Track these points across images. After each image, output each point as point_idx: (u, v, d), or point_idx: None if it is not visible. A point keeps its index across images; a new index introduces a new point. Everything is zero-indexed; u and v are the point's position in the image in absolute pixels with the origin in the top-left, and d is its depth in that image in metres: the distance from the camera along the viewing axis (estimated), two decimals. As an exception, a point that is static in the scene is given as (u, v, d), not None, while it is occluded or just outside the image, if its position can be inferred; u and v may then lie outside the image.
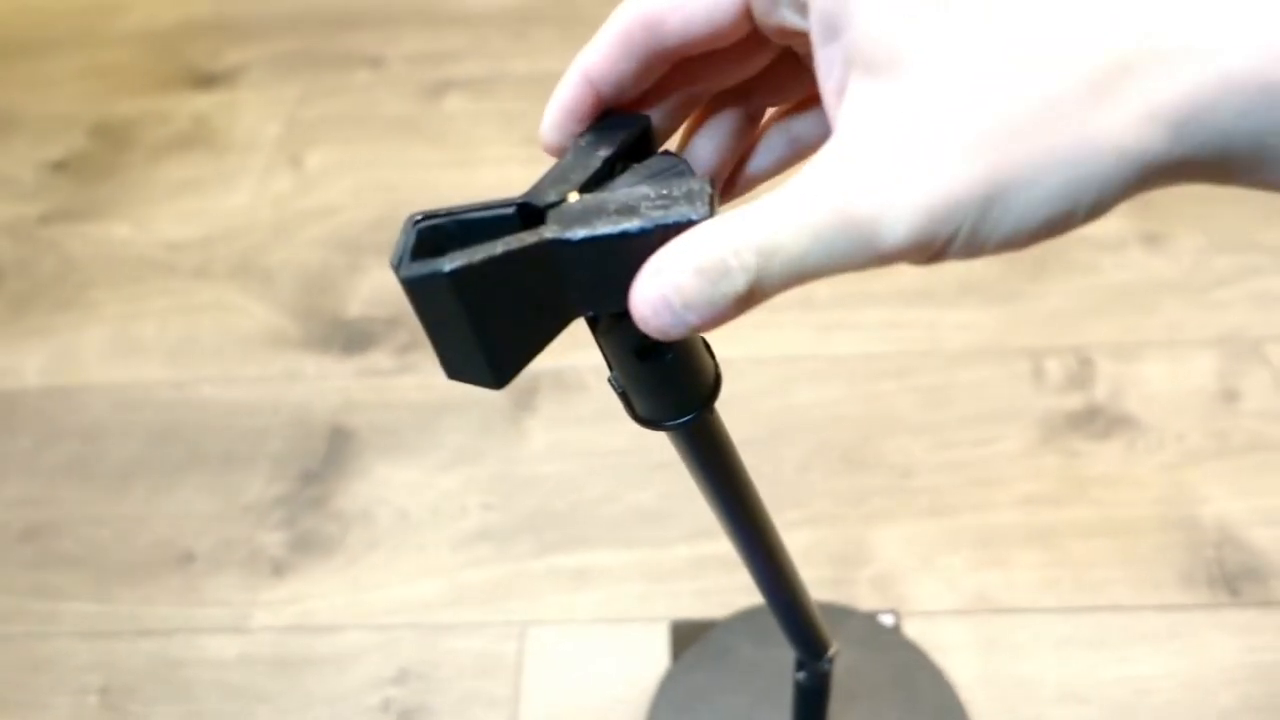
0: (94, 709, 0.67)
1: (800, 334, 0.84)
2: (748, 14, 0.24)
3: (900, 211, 0.20)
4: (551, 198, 0.24)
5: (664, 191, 0.23)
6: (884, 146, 0.21)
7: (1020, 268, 0.87)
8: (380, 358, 0.86)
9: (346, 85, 1.16)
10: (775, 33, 0.25)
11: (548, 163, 0.26)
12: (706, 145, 0.28)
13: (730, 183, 0.29)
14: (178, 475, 0.79)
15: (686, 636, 0.66)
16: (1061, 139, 0.19)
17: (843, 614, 0.66)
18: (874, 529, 0.71)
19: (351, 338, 0.88)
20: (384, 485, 0.77)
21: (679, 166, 0.26)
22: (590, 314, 0.26)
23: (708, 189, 0.23)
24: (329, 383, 0.85)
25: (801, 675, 0.52)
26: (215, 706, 0.66)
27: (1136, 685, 0.63)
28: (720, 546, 0.68)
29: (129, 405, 0.85)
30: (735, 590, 0.68)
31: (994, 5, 0.20)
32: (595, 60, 0.26)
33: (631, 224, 0.22)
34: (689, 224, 0.22)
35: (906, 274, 0.88)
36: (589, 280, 0.23)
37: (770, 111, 0.29)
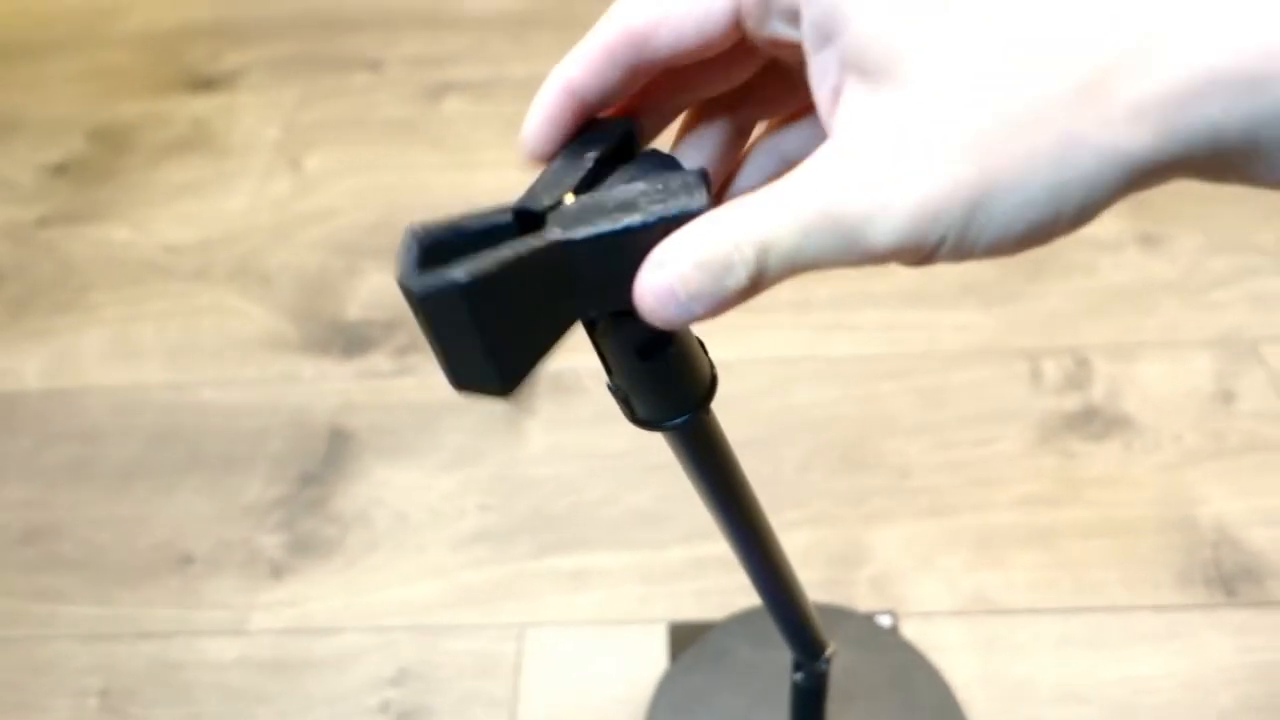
0: (94, 711, 0.67)
1: (799, 335, 0.84)
2: (737, 25, 0.24)
3: (889, 213, 0.20)
4: (547, 202, 0.24)
5: (659, 186, 0.23)
6: (877, 147, 0.21)
7: (1018, 269, 0.87)
8: (379, 360, 0.86)
9: (345, 88, 1.16)
10: (766, 43, 0.25)
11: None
12: (695, 159, 0.28)
13: (718, 199, 0.29)
14: (177, 477, 0.79)
15: (685, 638, 0.66)
16: (1046, 140, 0.20)
17: (840, 615, 0.66)
18: (872, 530, 0.71)
19: (350, 340, 0.88)
20: (383, 487, 0.77)
21: (668, 162, 0.26)
22: (594, 315, 0.26)
23: (702, 180, 0.23)
24: (328, 385, 0.85)
25: (799, 676, 0.52)
26: (215, 708, 0.66)
27: (1135, 685, 0.63)
28: (718, 548, 0.68)
29: (128, 407, 0.85)
30: (733, 591, 0.68)
31: (993, 6, 0.20)
32: (578, 72, 0.25)
33: (634, 219, 0.22)
34: (690, 215, 0.22)
35: (905, 275, 0.88)
36: (593, 280, 0.23)
37: (759, 129, 0.29)
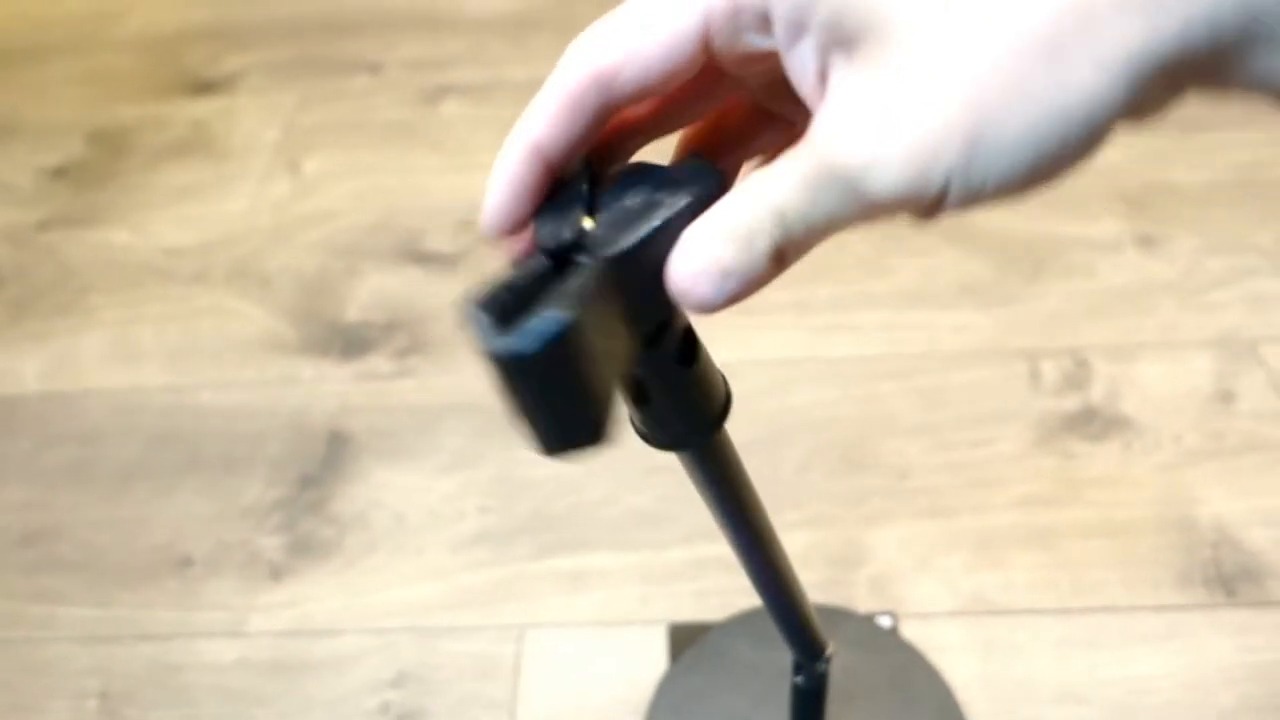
0: (92, 714, 0.67)
1: (798, 336, 0.84)
2: (704, 52, 0.24)
3: (885, 159, 0.20)
4: (570, 235, 0.23)
5: (669, 181, 0.23)
6: (867, 101, 0.21)
7: (1017, 270, 0.87)
8: (378, 361, 0.86)
9: (345, 91, 1.16)
10: (738, 61, 0.24)
11: None
12: None
13: None
14: (176, 479, 0.79)
15: (685, 638, 0.66)
16: (1037, 62, 0.19)
17: (840, 615, 0.66)
18: (871, 530, 0.71)
19: (350, 342, 0.88)
20: (382, 489, 0.77)
21: (653, 168, 0.25)
22: (645, 331, 0.25)
23: (705, 163, 0.24)
24: (327, 387, 0.85)
25: (799, 679, 0.52)
26: (213, 710, 0.66)
27: (1134, 686, 0.63)
28: (718, 548, 0.68)
29: (127, 410, 0.85)
30: (733, 592, 0.68)
31: None
32: (543, 129, 0.24)
33: (667, 212, 0.23)
34: (713, 195, 0.23)
35: (904, 276, 0.88)
36: (641, 291, 0.23)
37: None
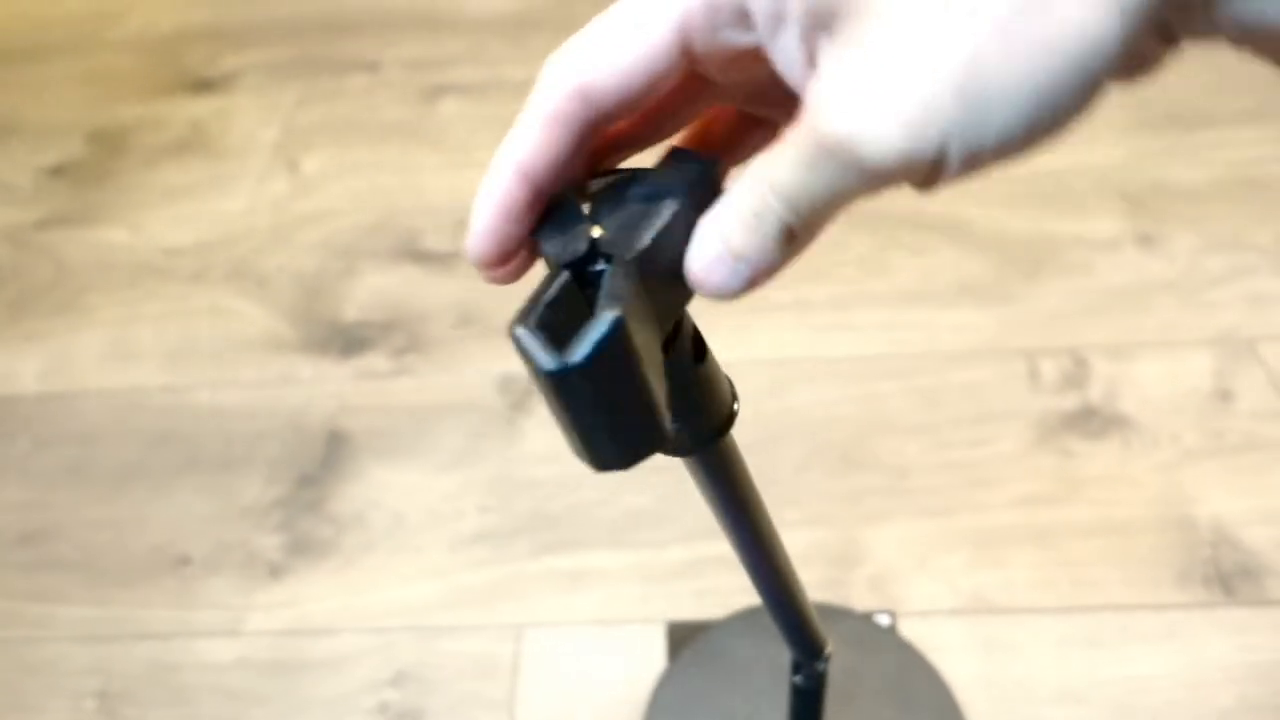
0: (91, 713, 0.67)
1: (797, 335, 0.84)
2: (683, 55, 0.23)
3: (878, 125, 0.20)
4: (583, 246, 0.23)
5: (656, 178, 0.23)
6: (856, 73, 0.20)
7: (1016, 269, 0.87)
8: (377, 361, 0.86)
9: (343, 90, 1.16)
10: (719, 64, 0.24)
11: None
12: None
13: None
14: (174, 479, 0.79)
15: (683, 637, 0.66)
16: (1031, 16, 0.19)
17: (839, 614, 0.66)
18: (870, 529, 0.71)
19: (348, 341, 0.88)
20: (381, 488, 0.77)
21: (635, 169, 0.25)
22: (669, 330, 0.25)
23: (685, 150, 0.24)
24: (325, 386, 0.85)
25: (798, 678, 0.52)
26: (212, 710, 0.66)
27: (1133, 685, 0.63)
28: (716, 548, 0.68)
29: (126, 409, 0.85)
30: (732, 591, 0.68)
31: None
32: (528, 150, 0.24)
33: (671, 205, 0.23)
34: (712, 174, 0.23)
35: (903, 276, 0.88)
36: (663, 288, 0.23)
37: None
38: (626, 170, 0.25)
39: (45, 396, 0.87)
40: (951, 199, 0.94)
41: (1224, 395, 0.77)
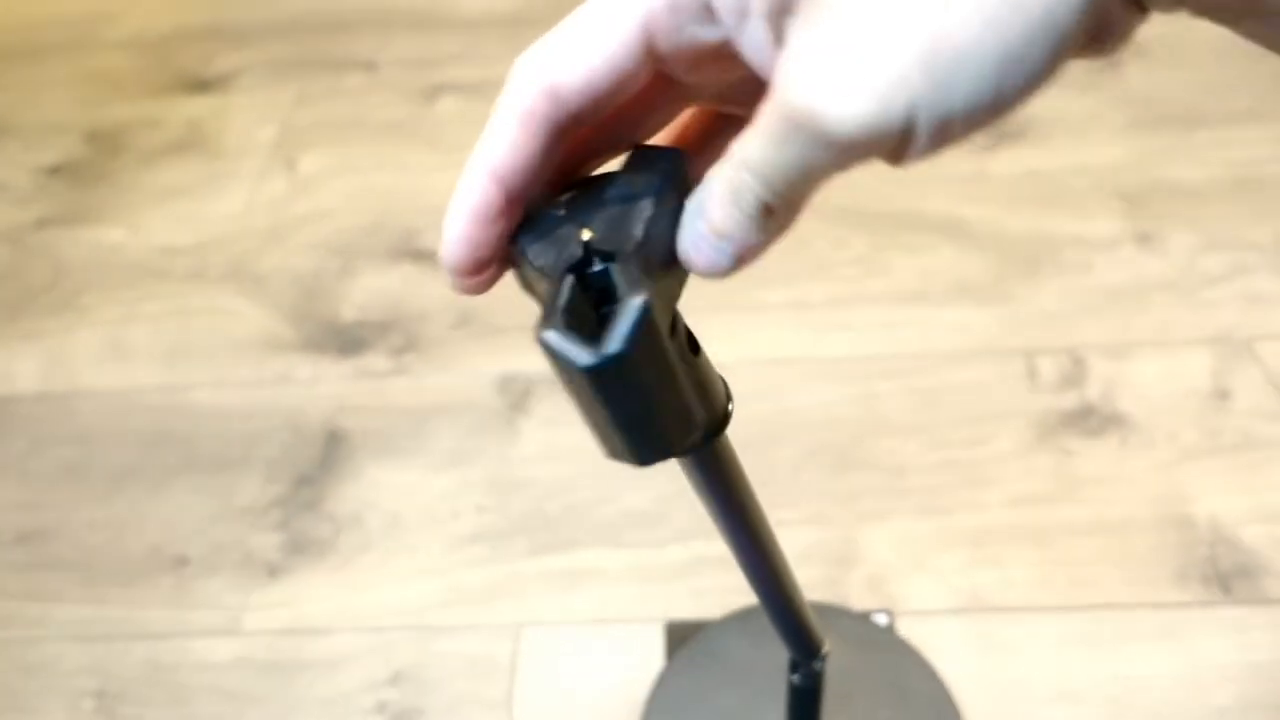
0: (88, 713, 0.67)
1: (794, 335, 0.84)
2: (649, 54, 0.23)
3: (842, 95, 0.19)
4: (579, 251, 0.23)
5: (627, 175, 0.24)
6: (819, 46, 0.20)
7: (1014, 268, 0.87)
8: (374, 360, 0.86)
9: (340, 89, 1.16)
10: (685, 62, 0.24)
11: None
12: None
13: None
14: (171, 479, 0.79)
15: (681, 637, 0.66)
16: None
17: (836, 614, 0.66)
18: (867, 529, 0.71)
19: (345, 341, 0.88)
20: (378, 488, 0.77)
21: (602, 174, 0.25)
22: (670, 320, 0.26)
23: (646, 145, 0.24)
24: (323, 386, 0.85)
25: (796, 678, 0.52)
26: (209, 710, 0.66)
27: (1131, 683, 0.63)
28: (714, 547, 0.68)
29: (122, 409, 0.85)
30: (730, 590, 0.68)
31: None
32: (500, 153, 0.24)
33: (651, 195, 0.23)
34: (679, 160, 0.24)
35: (901, 275, 0.88)
36: (659, 278, 0.23)
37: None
38: (595, 177, 0.25)
39: (42, 396, 0.87)
40: (950, 199, 0.94)
41: (1222, 394, 0.77)
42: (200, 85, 1.19)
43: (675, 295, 0.25)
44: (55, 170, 1.09)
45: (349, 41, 1.22)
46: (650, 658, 0.66)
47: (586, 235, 0.23)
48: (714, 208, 0.22)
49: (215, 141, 1.11)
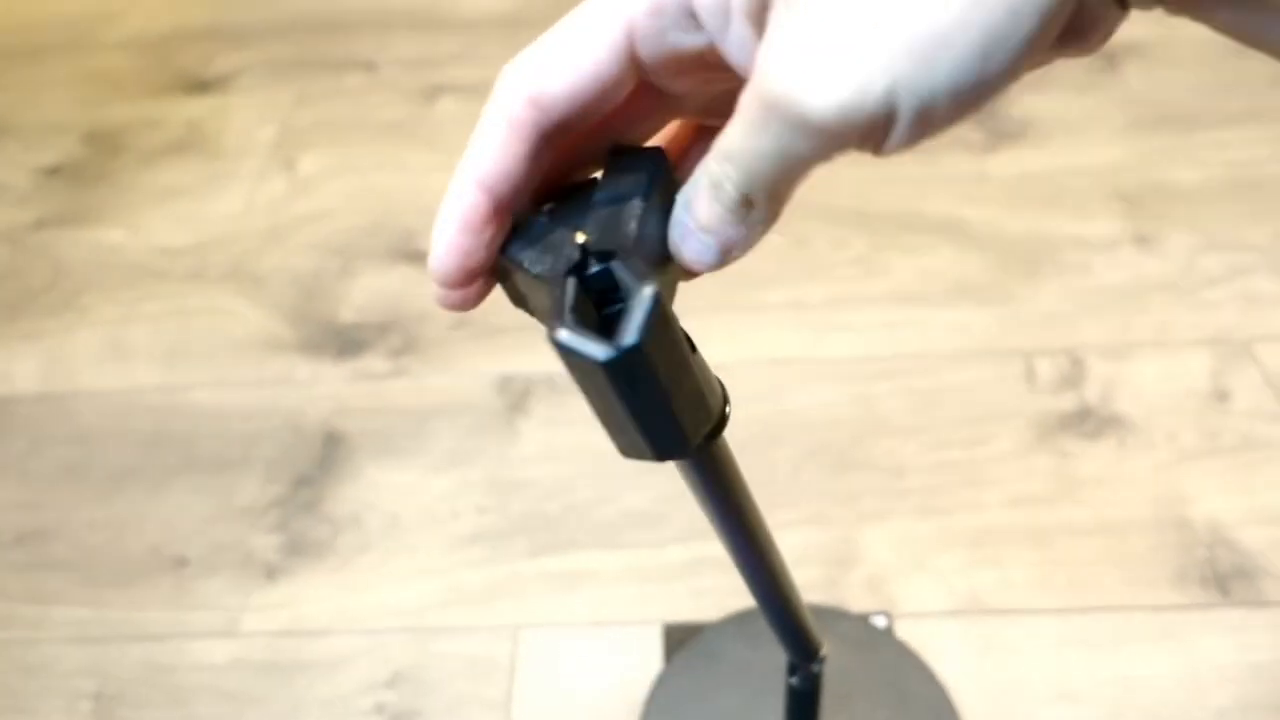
0: (86, 714, 0.67)
1: (793, 336, 0.84)
2: (632, 62, 0.23)
3: (819, 79, 0.19)
4: (575, 253, 0.23)
5: (611, 178, 0.24)
6: (797, 32, 0.20)
7: (1013, 269, 0.87)
8: (373, 361, 0.86)
9: (340, 90, 1.16)
10: (669, 68, 0.24)
11: None
12: None
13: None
14: (170, 480, 0.79)
15: (680, 638, 0.66)
16: None
17: (834, 616, 0.66)
18: (866, 530, 0.71)
19: (345, 342, 0.88)
20: (377, 489, 0.77)
21: (584, 180, 0.26)
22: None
23: (624, 144, 0.24)
24: (322, 387, 0.85)
25: (794, 680, 0.52)
26: (208, 711, 0.66)
27: (1130, 685, 0.63)
28: (713, 549, 0.67)
29: (121, 410, 0.85)
30: (729, 592, 0.68)
31: None
32: (487, 161, 0.24)
33: (639, 193, 0.23)
34: (661, 158, 0.24)
35: (900, 276, 0.88)
36: (658, 270, 0.23)
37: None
38: (573, 184, 0.26)
39: (41, 396, 0.87)
40: (949, 199, 0.94)
41: (1221, 395, 0.77)
42: (200, 85, 1.19)
43: (672, 291, 0.25)
44: (55, 170, 1.09)
45: (349, 42, 1.22)
46: (649, 659, 0.66)
47: (581, 238, 0.23)
48: (697, 202, 0.22)
49: (215, 142, 1.11)
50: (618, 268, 0.22)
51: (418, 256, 0.95)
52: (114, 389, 0.86)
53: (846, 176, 0.96)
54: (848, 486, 0.74)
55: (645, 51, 0.23)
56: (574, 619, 0.68)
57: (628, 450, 0.24)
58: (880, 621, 0.66)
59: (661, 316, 0.21)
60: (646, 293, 0.20)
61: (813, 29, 0.19)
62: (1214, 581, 0.67)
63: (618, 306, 0.23)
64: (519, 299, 0.26)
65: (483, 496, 0.76)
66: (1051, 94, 1.03)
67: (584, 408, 0.82)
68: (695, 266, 0.23)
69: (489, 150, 0.24)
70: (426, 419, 0.81)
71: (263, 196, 1.03)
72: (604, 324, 0.23)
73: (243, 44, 1.24)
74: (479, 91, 1.17)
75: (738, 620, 0.66)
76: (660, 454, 0.23)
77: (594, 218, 0.23)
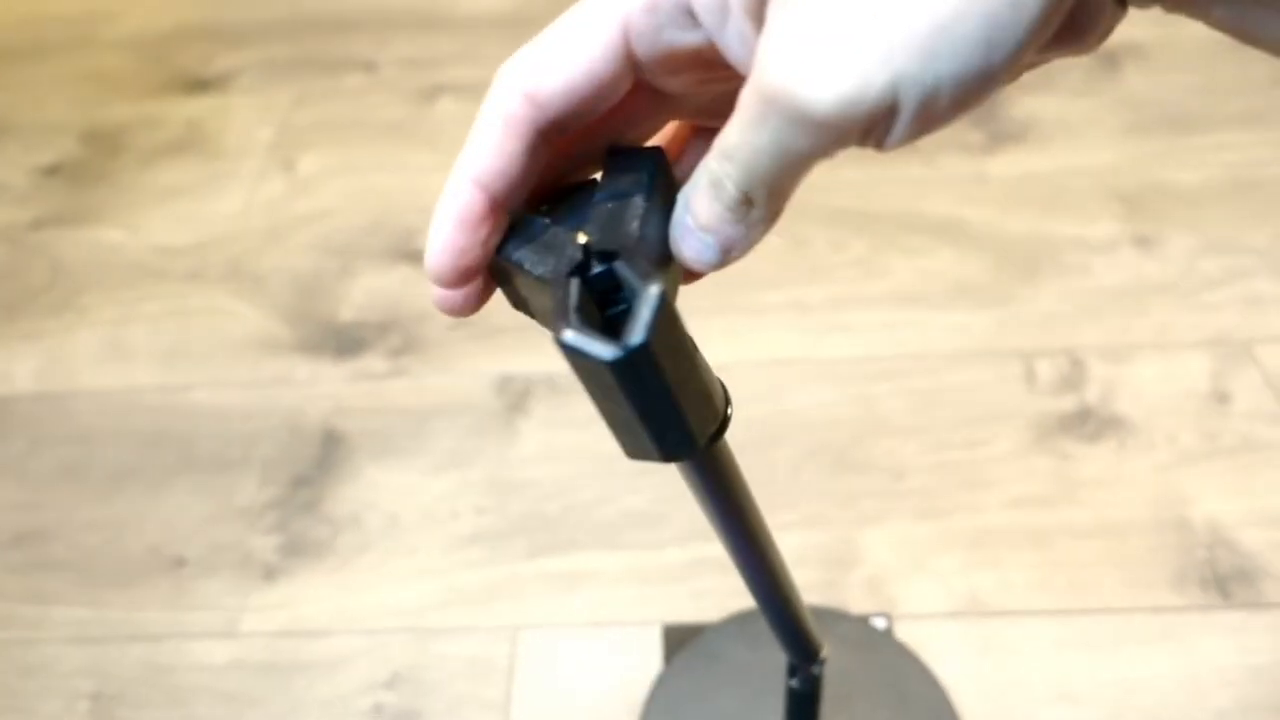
0: (84, 715, 0.67)
1: (793, 336, 0.84)
2: (628, 60, 0.23)
3: (819, 72, 0.19)
4: (577, 254, 0.23)
5: (610, 177, 0.24)
6: (800, 26, 0.19)
7: (1013, 270, 0.87)
8: (372, 361, 0.86)
9: (339, 90, 1.16)
10: (665, 66, 0.24)
11: None
12: None
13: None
14: (169, 480, 0.79)
15: (679, 639, 0.66)
16: None
17: (834, 617, 0.66)
18: (865, 531, 0.71)
19: (344, 342, 0.88)
20: (376, 489, 0.77)
21: (582, 181, 0.26)
22: None
23: (623, 144, 0.24)
24: (321, 387, 0.85)
25: (794, 681, 0.52)
26: (206, 712, 0.66)
27: (1130, 687, 0.63)
28: (713, 549, 0.68)
29: (120, 410, 0.85)
30: (728, 593, 0.68)
31: None
32: (483, 158, 0.24)
33: (641, 191, 0.23)
34: (660, 158, 0.24)
35: (900, 277, 0.88)
36: (661, 269, 0.23)
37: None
38: (570, 185, 0.26)
39: (40, 396, 0.86)
40: (949, 200, 0.94)
41: (1220, 397, 0.77)
42: (199, 85, 1.19)
43: (674, 291, 0.25)
44: (54, 170, 1.09)
45: (348, 42, 1.22)
46: (649, 660, 0.66)
47: (583, 238, 0.23)
48: (697, 201, 0.22)
49: (214, 141, 1.11)
50: (621, 268, 0.22)
51: (417, 256, 0.95)
52: (113, 389, 0.86)
53: (846, 177, 0.96)
54: (847, 487, 0.74)
55: (641, 49, 0.23)
56: (573, 620, 0.68)
57: (633, 451, 0.24)
58: (880, 623, 0.66)
59: (668, 316, 0.21)
60: (653, 291, 0.20)
61: (812, 22, 0.19)
62: (1214, 583, 0.66)
63: (621, 307, 0.22)
64: (519, 302, 0.26)
65: (482, 497, 0.76)
66: (1051, 95, 1.03)
67: (584, 408, 0.82)
68: (696, 266, 0.23)
69: (485, 148, 0.24)
70: (426, 419, 0.81)
71: (262, 196, 1.03)
72: (607, 325, 0.22)
73: (242, 43, 1.24)
74: (478, 91, 1.16)
75: (738, 621, 0.66)
76: (666, 454, 0.23)
77: (595, 218, 0.23)
